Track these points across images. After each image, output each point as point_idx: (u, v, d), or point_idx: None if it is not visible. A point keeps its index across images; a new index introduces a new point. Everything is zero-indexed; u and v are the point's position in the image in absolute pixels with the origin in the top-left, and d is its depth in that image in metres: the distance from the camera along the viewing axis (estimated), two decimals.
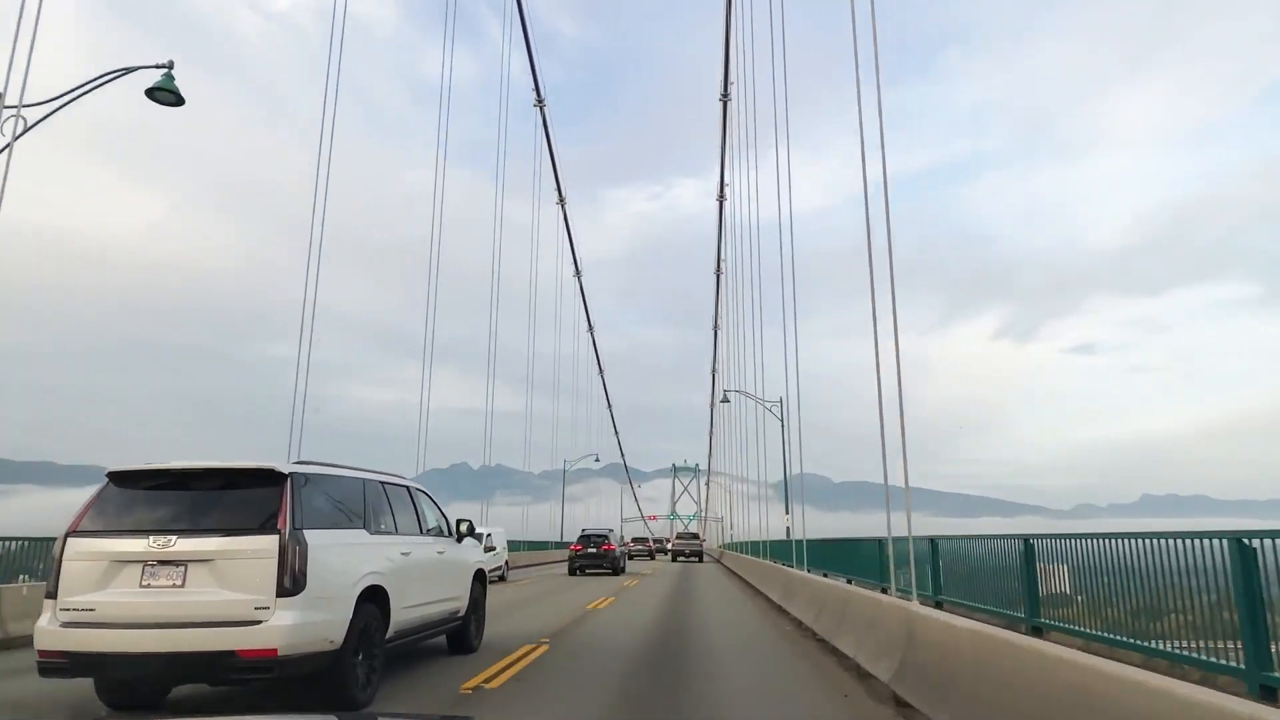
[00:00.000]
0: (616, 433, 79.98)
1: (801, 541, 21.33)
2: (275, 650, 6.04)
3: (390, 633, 7.73)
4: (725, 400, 38.03)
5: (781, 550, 28.38)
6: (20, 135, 11.39)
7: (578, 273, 51.32)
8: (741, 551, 40.65)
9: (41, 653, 6.16)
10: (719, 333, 51.03)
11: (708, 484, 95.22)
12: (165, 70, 12.93)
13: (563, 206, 46.82)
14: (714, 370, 60.86)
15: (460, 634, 10.27)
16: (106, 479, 6.71)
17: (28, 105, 11.56)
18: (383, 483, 8.57)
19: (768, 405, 30.29)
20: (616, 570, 33.86)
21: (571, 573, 32.90)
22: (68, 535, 6.38)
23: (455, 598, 9.94)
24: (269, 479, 6.56)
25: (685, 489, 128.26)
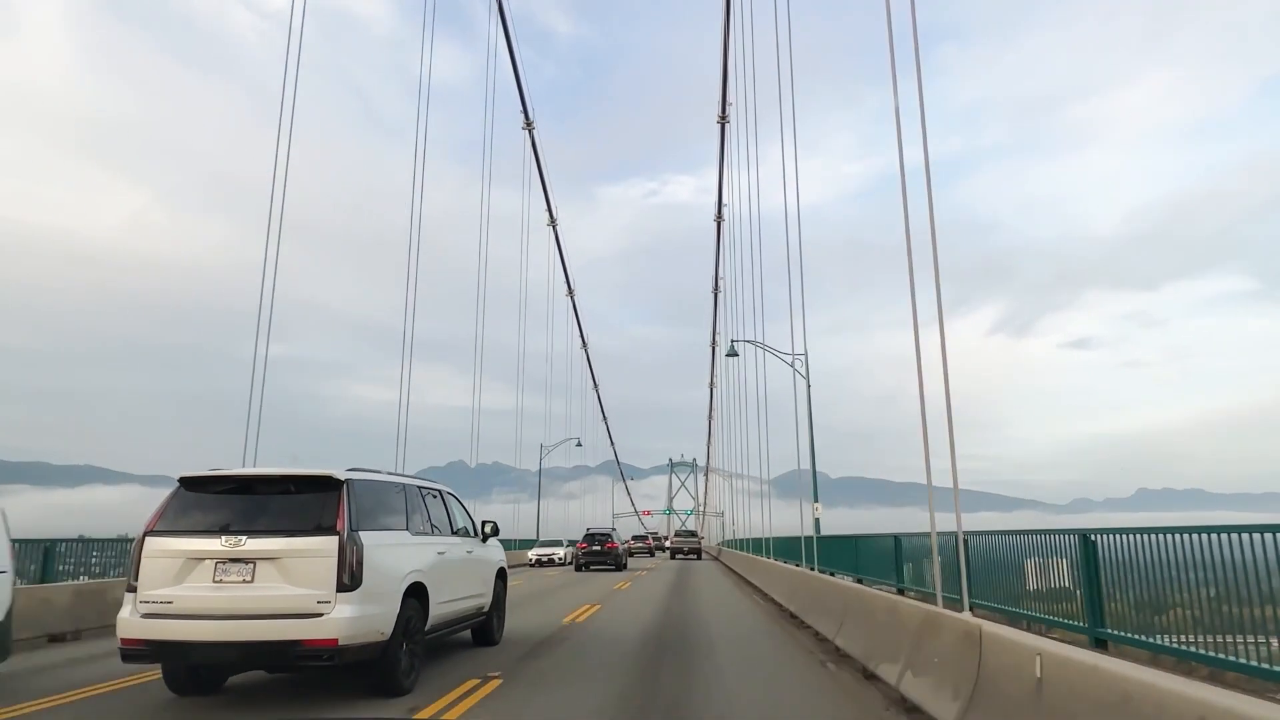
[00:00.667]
0: (605, 420, 76.04)
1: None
2: (336, 640, 6.70)
3: (428, 625, 8.39)
4: (732, 354, 30.73)
5: (828, 551, 21.29)
6: None
7: (552, 221, 46.65)
8: (754, 552, 33.78)
9: (124, 640, 6.82)
10: (719, 295, 45.23)
11: (706, 476, 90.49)
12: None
13: (531, 132, 39.84)
14: (713, 340, 56.25)
15: (484, 628, 10.92)
16: (178, 483, 7.36)
17: None
18: (419, 487, 9.24)
19: (789, 359, 24.26)
20: (619, 566, 36.09)
21: (578, 569, 35.32)
22: (146, 534, 7.03)
23: (481, 594, 10.60)
24: (327, 485, 7.21)
25: (682, 484, 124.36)
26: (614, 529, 40.81)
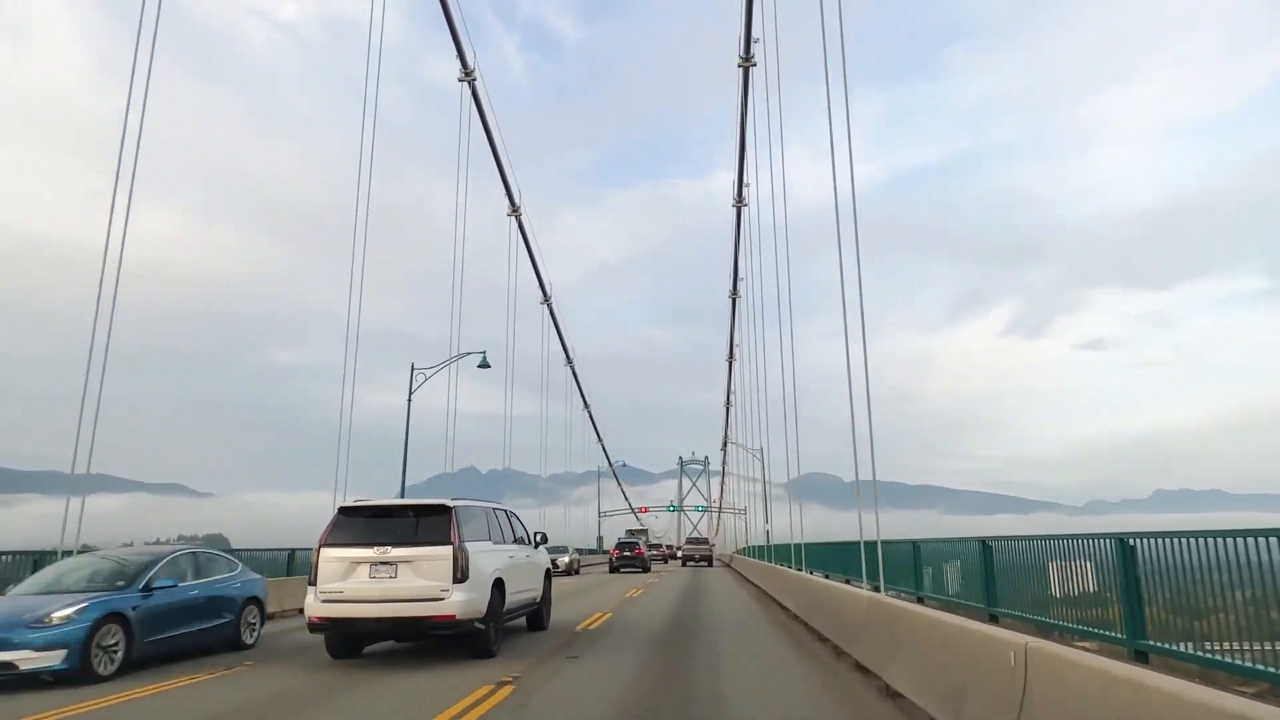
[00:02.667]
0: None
1: None
2: (454, 615, 9.89)
3: (505, 609, 11.53)
4: None
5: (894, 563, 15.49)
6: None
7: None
8: (780, 560, 28.70)
9: (311, 619, 10.05)
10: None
11: (722, 480, 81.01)
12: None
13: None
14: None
15: (536, 616, 14.03)
16: (338, 511, 10.58)
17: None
18: (494, 508, 12.45)
19: None
20: (645, 569, 43.30)
21: (612, 570, 42.60)
22: (321, 546, 10.24)
23: (534, 589, 13.72)
24: (441, 510, 10.41)
25: (694, 485, 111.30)
26: (644, 537, 47.21)
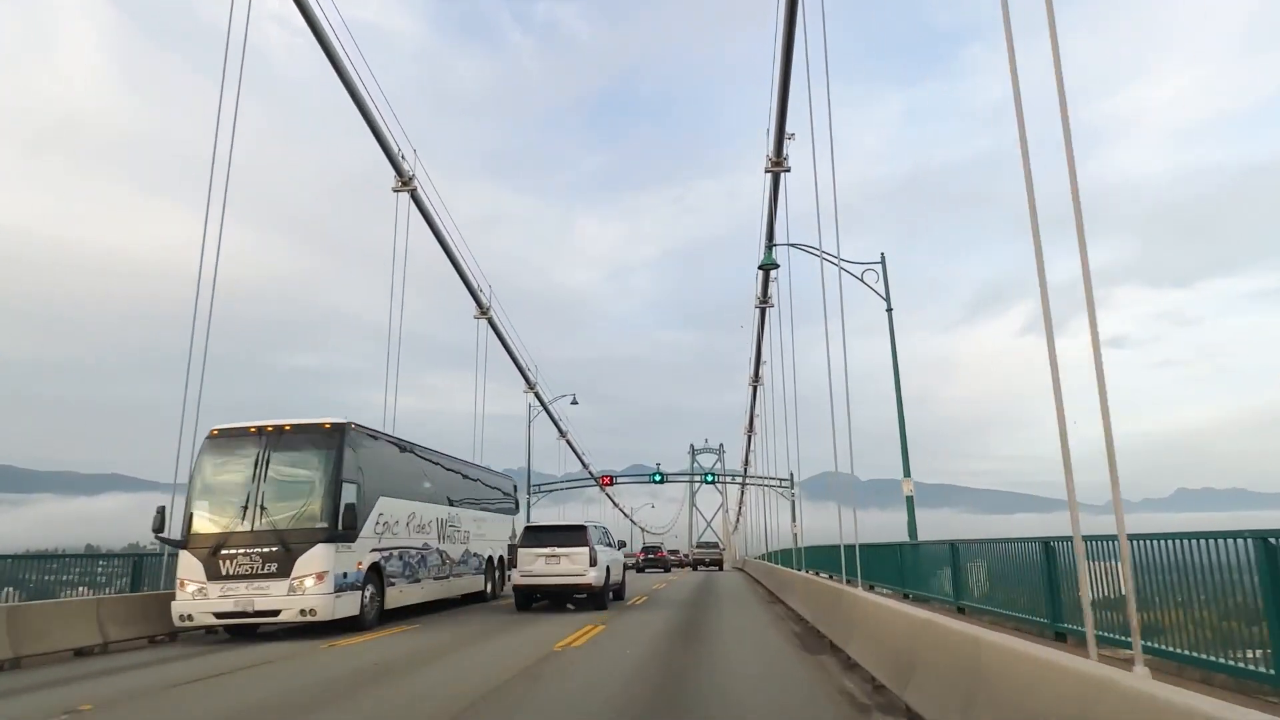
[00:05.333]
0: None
1: None
2: (592, 584, 18.66)
3: (609, 584, 20.22)
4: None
5: None
6: None
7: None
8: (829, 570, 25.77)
9: (515, 585, 18.94)
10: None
11: (743, 486, 69.39)
12: None
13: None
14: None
15: (619, 592, 22.69)
16: (525, 528, 19.38)
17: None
18: (602, 527, 21.27)
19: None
20: (666, 569, 51.72)
21: (638, 571, 49.83)
22: (519, 547, 19.02)
23: (619, 574, 22.43)
24: (581, 528, 19.21)
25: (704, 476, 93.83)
26: (662, 543, 55.15)
